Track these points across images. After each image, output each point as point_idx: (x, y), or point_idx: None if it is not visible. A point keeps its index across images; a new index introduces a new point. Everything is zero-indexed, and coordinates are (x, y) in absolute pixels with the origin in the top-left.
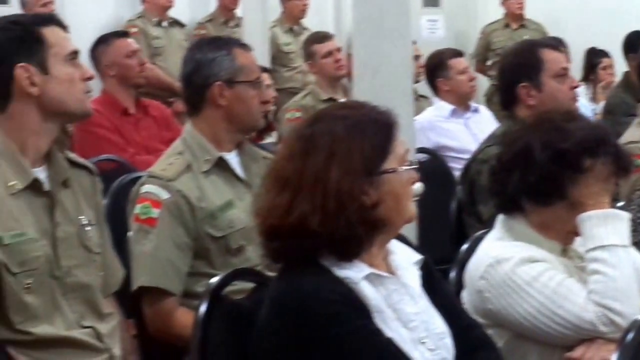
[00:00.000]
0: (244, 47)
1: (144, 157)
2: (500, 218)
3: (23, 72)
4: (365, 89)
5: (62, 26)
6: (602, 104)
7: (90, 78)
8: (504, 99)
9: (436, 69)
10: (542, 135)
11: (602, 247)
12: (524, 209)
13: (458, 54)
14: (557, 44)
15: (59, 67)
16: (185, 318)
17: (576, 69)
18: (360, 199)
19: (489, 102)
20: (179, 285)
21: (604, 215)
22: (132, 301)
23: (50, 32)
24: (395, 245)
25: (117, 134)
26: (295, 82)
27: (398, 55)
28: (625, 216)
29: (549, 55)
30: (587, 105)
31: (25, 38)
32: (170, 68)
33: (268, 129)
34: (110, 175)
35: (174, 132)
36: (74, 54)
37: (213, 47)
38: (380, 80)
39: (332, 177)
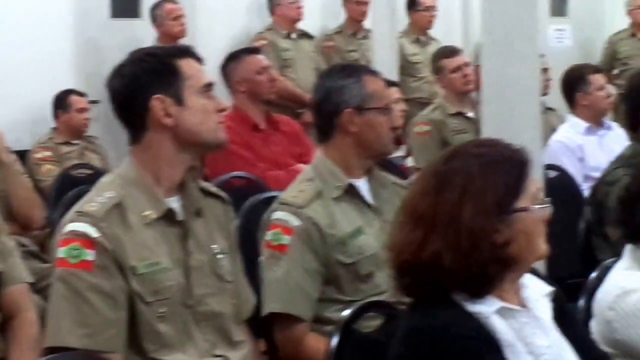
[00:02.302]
0: (374, 73)
1: (274, 173)
2: (628, 247)
3: (158, 103)
4: (493, 111)
5: (197, 58)
6: None
7: (224, 110)
8: (631, 121)
9: (576, 83)
10: None
11: None
12: None
13: (598, 70)
14: None
15: (193, 99)
16: (315, 344)
17: None
18: (492, 238)
19: (615, 111)
20: (310, 311)
21: None
22: (263, 325)
23: (185, 64)
24: (526, 277)
25: (248, 149)
26: (423, 92)
27: (526, 77)
28: None
29: None
30: None
31: (161, 70)
32: (299, 80)
33: (396, 142)
34: (241, 192)
35: (304, 147)
36: (209, 85)
37: (343, 75)
38: (509, 102)
39: (466, 215)
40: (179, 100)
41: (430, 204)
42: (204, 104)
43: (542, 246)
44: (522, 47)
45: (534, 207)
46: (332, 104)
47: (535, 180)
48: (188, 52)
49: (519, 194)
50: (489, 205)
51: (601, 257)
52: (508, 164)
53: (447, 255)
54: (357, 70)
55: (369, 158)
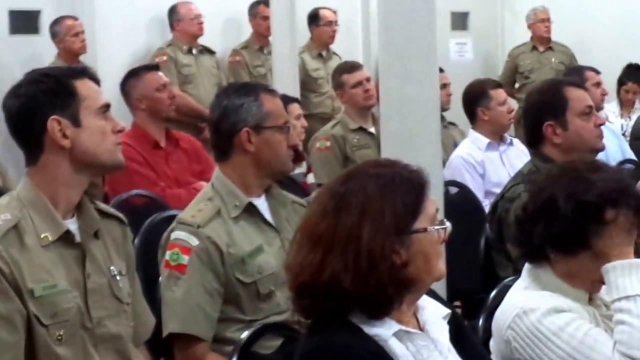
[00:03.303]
0: (271, 92)
1: (175, 191)
2: (526, 267)
3: (55, 124)
4: (393, 129)
5: (95, 79)
6: (631, 123)
7: (121, 130)
8: (530, 138)
9: (477, 98)
10: (566, 186)
11: (627, 297)
12: (550, 258)
13: (499, 84)
14: (581, 83)
15: (90, 120)
16: None
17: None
18: (391, 259)
19: (517, 125)
20: (210, 331)
21: (628, 265)
22: (164, 346)
23: (82, 85)
24: (424, 299)
25: (148, 167)
26: (325, 108)
27: (425, 96)
28: None
29: (574, 94)
30: (616, 124)
31: (57, 91)
32: (200, 95)
33: (297, 159)
34: (141, 210)
35: (204, 164)
36: (106, 106)
37: (240, 93)
38: (408, 121)
39: (364, 236)
40: (76, 122)
41: (329, 225)
42: (101, 125)
43: (441, 267)
44: (420, 65)
45: (432, 228)
46: (230, 123)
47: (434, 201)
48: (85, 73)
49: (418, 215)
50: (387, 226)
51: (502, 274)
52: (406, 185)
53: (346, 277)
54: (255, 89)
55: (267, 177)
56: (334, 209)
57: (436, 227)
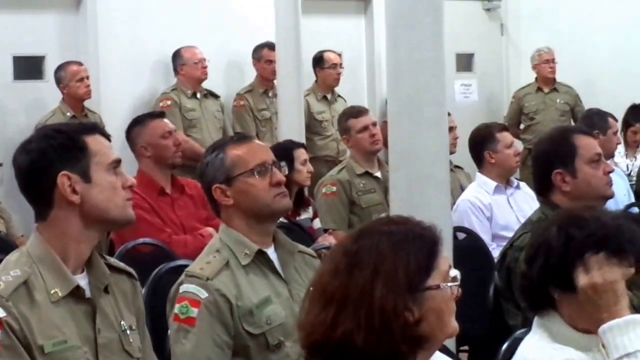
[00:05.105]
0: (241, 140)
1: (181, 237)
2: (535, 320)
3: (65, 180)
4: (402, 178)
5: (105, 135)
6: (637, 162)
7: (132, 186)
8: (539, 185)
9: (484, 141)
10: (560, 221)
11: (627, 355)
12: (555, 300)
13: (505, 128)
14: (590, 130)
15: (101, 175)
16: None
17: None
18: (404, 316)
19: (522, 166)
20: None
21: (624, 323)
22: None
23: (93, 141)
24: (435, 355)
25: (154, 214)
26: (330, 150)
27: (435, 144)
28: None
29: (583, 141)
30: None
31: (68, 146)
32: (204, 139)
33: (304, 204)
34: (148, 259)
35: (210, 210)
36: (117, 162)
37: (208, 152)
38: (417, 170)
39: (377, 294)
40: (86, 177)
41: (341, 283)
42: (111, 181)
43: (453, 324)
44: (430, 112)
45: (445, 285)
46: (205, 183)
47: (447, 258)
48: (95, 129)
49: (430, 272)
50: (400, 284)
51: (511, 322)
52: (419, 242)
53: (359, 335)
54: (222, 144)
55: (260, 222)
56: (346, 267)
57: (449, 284)
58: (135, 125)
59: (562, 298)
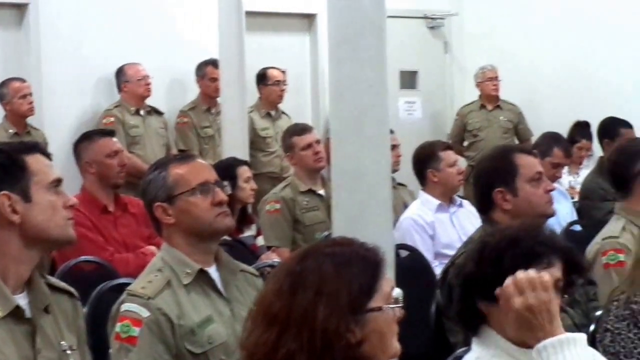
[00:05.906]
0: (185, 159)
1: (123, 256)
2: (473, 340)
3: (5, 200)
4: (344, 196)
5: (46, 154)
6: (579, 179)
7: (73, 205)
8: (480, 204)
9: (427, 160)
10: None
11: None
12: (484, 315)
13: (448, 146)
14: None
15: (41, 195)
16: None
17: None
18: (346, 338)
19: (466, 183)
20: None
21: (559, 342)
22: None
23: (33, 160)
24: None
25: (97, 232)
26: (273, 167)
27: (377, 163)
28: (580, 338)
29: (523, 160)
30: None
31: (7, 166)
32: (148, 156)
33: (247, 221)
34: (90, 277)
35: (152, 228)
36: (57, 181)
37: (151, 170)
38: (360, 189)
39: (319, 315)
40: (26, 197)
41: (285, 304)
42: (52, 200)
43: (395, 345)
44: (372, 131)
45: (388, 306)
46: (147, 201)
47: (390, 280)
48: (36, 148)
49: (373, 294)
50: (342, 305)
51: (452, 340)
52: (362, 264)
53: (301, 357)
54: (166, 162)
55: (202, 242)
56: (290, 288)
57: (391, 306)
58: (84, 140)
59: (490, 310)
